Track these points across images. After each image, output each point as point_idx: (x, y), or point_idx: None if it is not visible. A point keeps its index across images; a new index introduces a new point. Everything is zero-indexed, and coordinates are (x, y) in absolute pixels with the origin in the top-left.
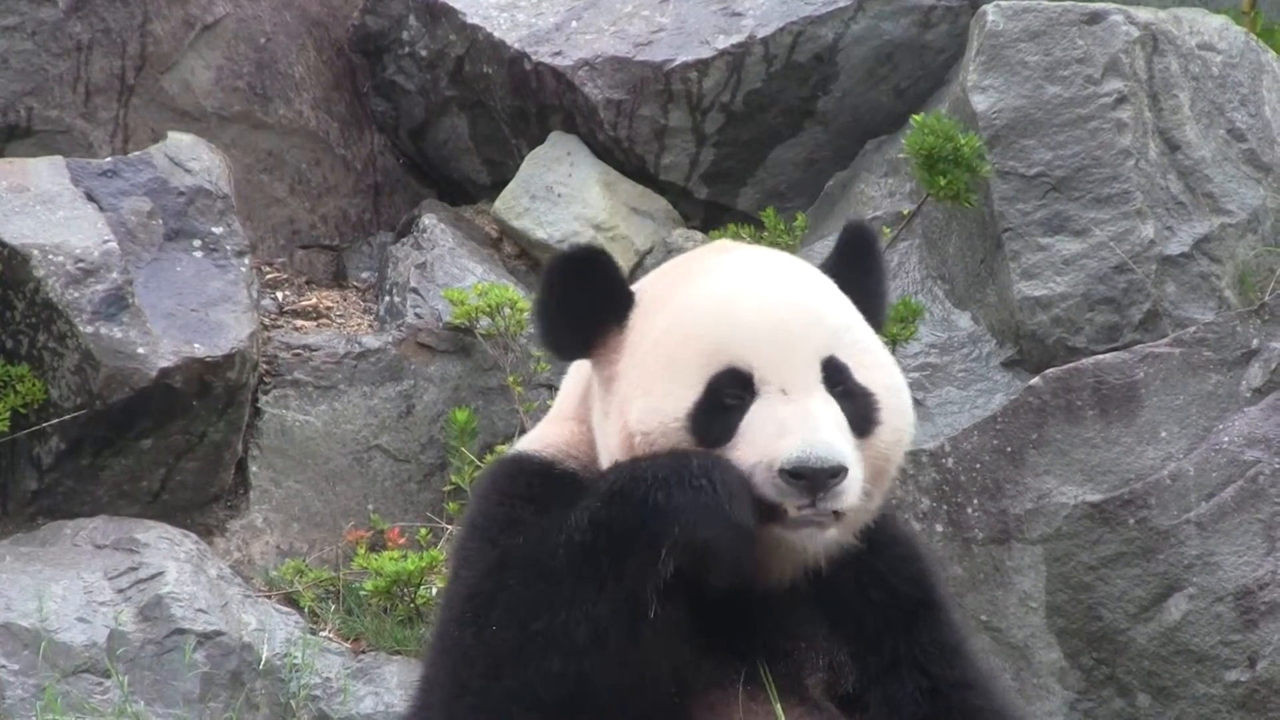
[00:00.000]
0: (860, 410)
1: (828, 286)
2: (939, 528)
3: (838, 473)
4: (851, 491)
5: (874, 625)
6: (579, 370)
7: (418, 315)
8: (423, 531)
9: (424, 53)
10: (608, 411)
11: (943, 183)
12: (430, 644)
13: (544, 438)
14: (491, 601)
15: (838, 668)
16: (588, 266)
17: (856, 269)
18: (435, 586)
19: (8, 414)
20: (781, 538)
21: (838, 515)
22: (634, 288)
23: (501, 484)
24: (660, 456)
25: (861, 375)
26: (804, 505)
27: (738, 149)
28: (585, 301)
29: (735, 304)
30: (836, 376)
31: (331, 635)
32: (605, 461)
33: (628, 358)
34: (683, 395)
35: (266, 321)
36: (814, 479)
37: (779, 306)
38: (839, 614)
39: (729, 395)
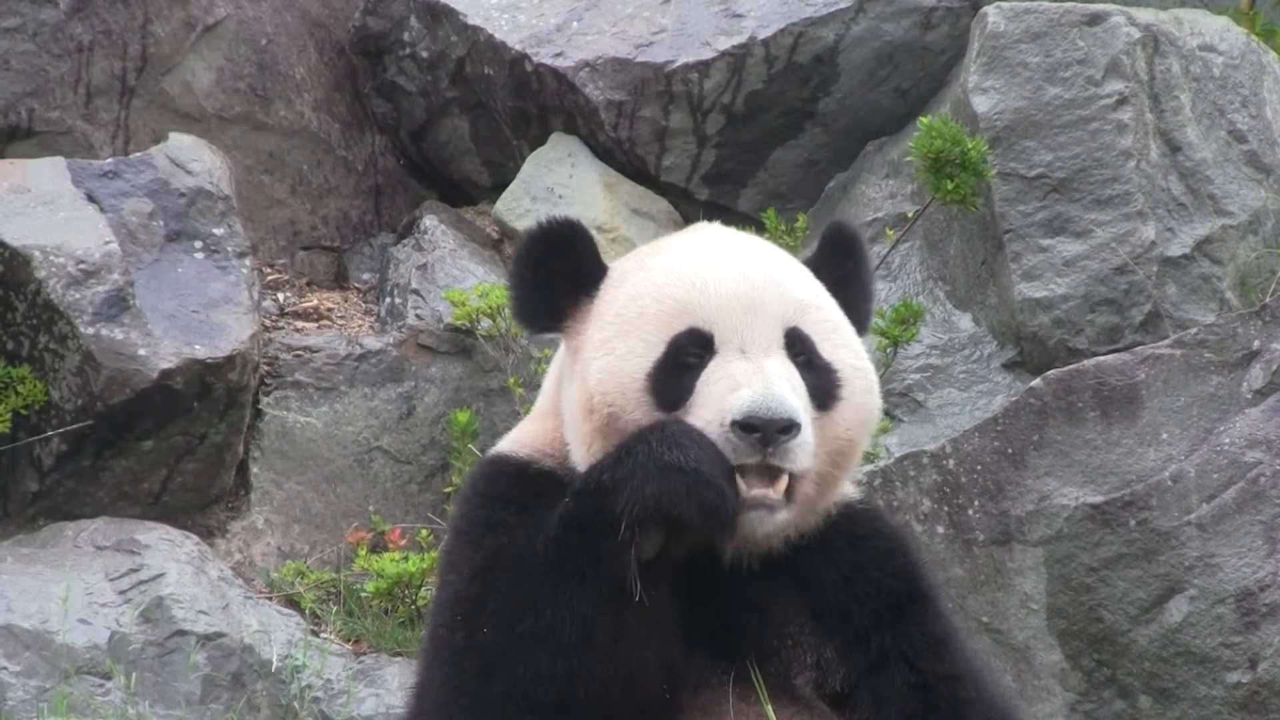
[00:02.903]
0: (821, 383)
1: (800, 268)
2: (940, 529)
3: (789, 427)
4: (804, 452)
5: (861, 621)
6: (556, 361)
7: (418, 316)
8: (424, 533)
9: (425, 54)
10: (571, 379)
11: (950, 186)
12: (423, 649)
13: (521, 437)
14: (480, 605)
15: (825, 665)
16: (561, 237)
17: (838, 269)
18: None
19: (9, 415)
20: None
21: (789, 496)
22: (609, 264)
23: (481, 486)
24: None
25: (826, 350)
26: (755, 466)
27: (739, 150)
28: (558, 272)
29: (701, 269)
30: (799, 346)
31: (333, 637)
32: (571, 436)
33: (594, 324)
34: (643, 354)
35: (267, 323)
36: (764, 430)
37: (745, 273)
38: (825, 611)
39: (689, 354)
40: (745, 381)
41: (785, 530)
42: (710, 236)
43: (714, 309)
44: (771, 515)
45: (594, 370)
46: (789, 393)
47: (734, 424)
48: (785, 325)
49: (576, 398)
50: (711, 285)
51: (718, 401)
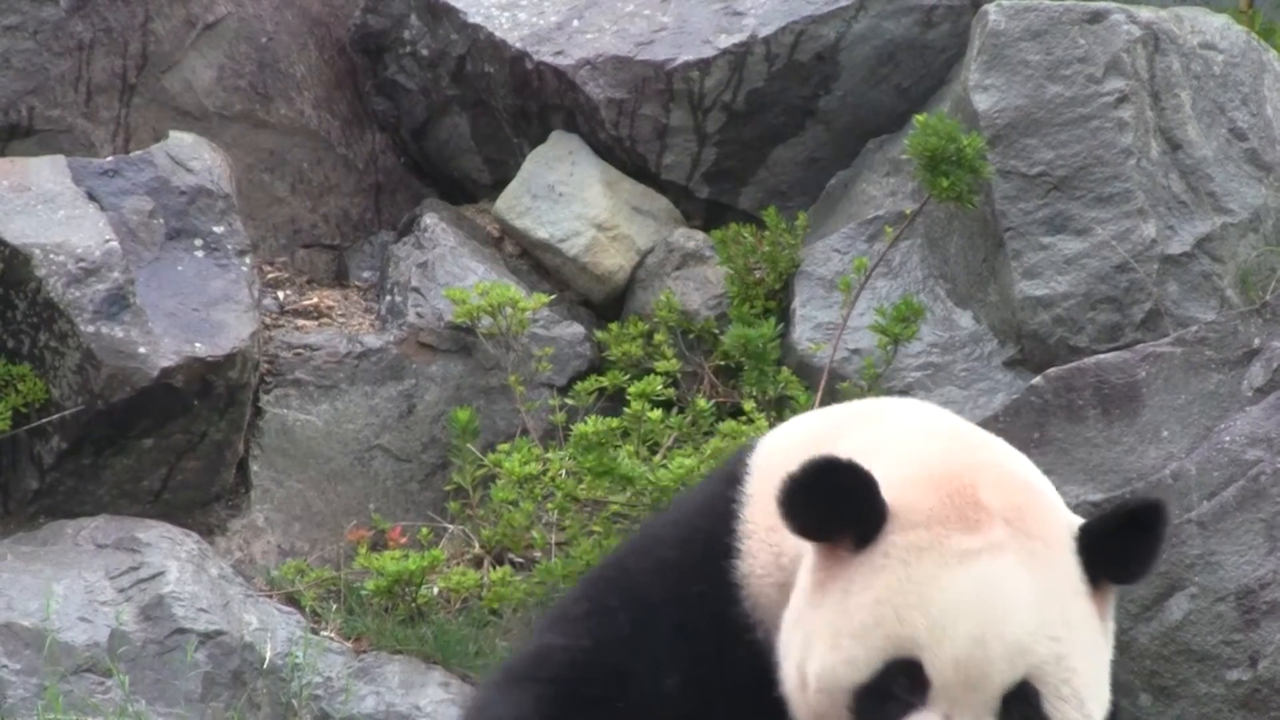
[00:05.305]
0: None
1: (1066, 602)
2: None
3: None
4: None
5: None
6: None
7: (419, 314)
8: (424, 531)
9: (425, 52)
10: (800, 618)
11: (945, 184)
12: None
13: (751, 523)
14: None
15: None
16: (840, 480)
17: (1126, 547)
18: (436, 586)
19: (9, 413)
20: None
21: None
22: (892, 498)
23: (668, 554)
24: None
25: (1051, 705)
26: None
27: (739, 148)
28: (836, 510)
29: (948, 611)
30: (1021, 705)
31: (333, 635)
32: (788, 638)
33: (843, 585)
34: (861, 667)
35: (268, 321)
36: None
37: (986, 636)
38: None
39: (899, 686)
40: None
41: None
42: (994, 556)
43: (938, 665)
44: None
45: (815, 658)
46: None
47: None
48: (1009, 686)
49: (796, 656)
50: (947, 639)
51: None
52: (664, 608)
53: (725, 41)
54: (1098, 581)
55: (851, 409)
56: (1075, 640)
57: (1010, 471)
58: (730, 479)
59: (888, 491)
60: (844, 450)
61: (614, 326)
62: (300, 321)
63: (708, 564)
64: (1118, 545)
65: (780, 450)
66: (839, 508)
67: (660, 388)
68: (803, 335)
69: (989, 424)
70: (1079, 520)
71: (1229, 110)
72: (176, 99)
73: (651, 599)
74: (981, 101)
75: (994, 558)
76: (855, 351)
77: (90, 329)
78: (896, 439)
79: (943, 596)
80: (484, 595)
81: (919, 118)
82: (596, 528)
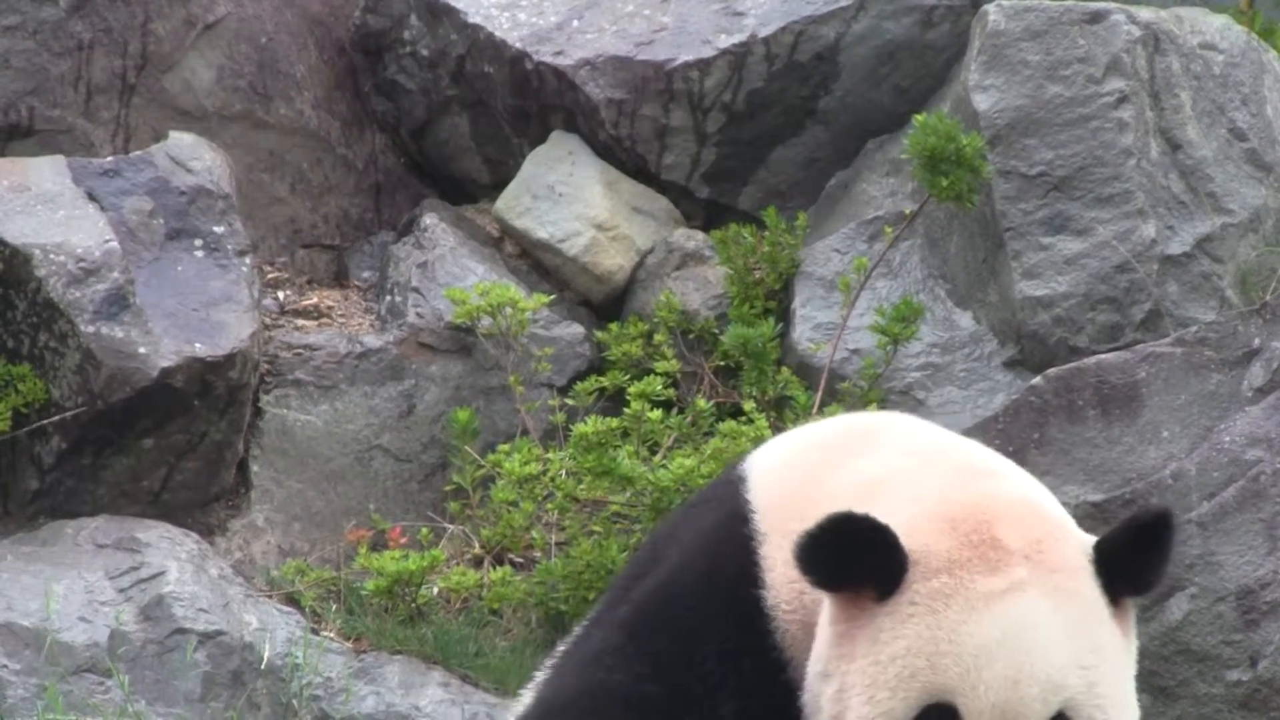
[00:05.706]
0: None
1: (1094, 629)
2: None
3: None
4: None
5: None
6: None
7: (419, 315)
8: (424, 531)
9: (425, 52)
10: (828, 671)
11: (945, 183)
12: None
13: (774, 567)
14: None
15: None
16: (861, 536)
17: (1137, 558)
18: (436, 586)
19: (9, 414)
20: None
21: None
22: (910, 542)
23: (710, 563)
24: None
25: None
26: None
27: (739, 148)
28: (851, 564)
29: (982, 655)
30: None
31: (333, 635)
32: (815, 697)
33: (870, 637)
34: (899, 717)
35: (268, 321)
36: None
37: (1028, 682)
38: None
39: None
40: None
41: None
42: (1021, 596)
43: (975, 710)
44: None
45: (854, 713)
46: None
47: None
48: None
49: (831, 712)
50: (982, 684)
51: None
52: (709, 626)
53: (725, 41)
54: (1118, 599)
55: (841, 428)
56: (1105, 666)
57: (1022, 500)
58: (736, 516)
59: (904, 535)
60: (846, 482)
61: (614, 326)
62: (300, 321)
63: (740, 588)
64: (1132, 559)
65: (778, 486)
66: (861, 563)
67: (660, 388)
68: (802, 335)
69: (989, 424)
70: (1091, 539)
71: (1229, 110)
72: (176, 99)
73: (693, 620)
74: (981, 102)
75: (1019, 597)
76: (855, 352)
77: (90, 329)
78: (900, 470)
79: (973, 642)
80: (484, 595)
81: (918, 117)
82: (596, 528)
